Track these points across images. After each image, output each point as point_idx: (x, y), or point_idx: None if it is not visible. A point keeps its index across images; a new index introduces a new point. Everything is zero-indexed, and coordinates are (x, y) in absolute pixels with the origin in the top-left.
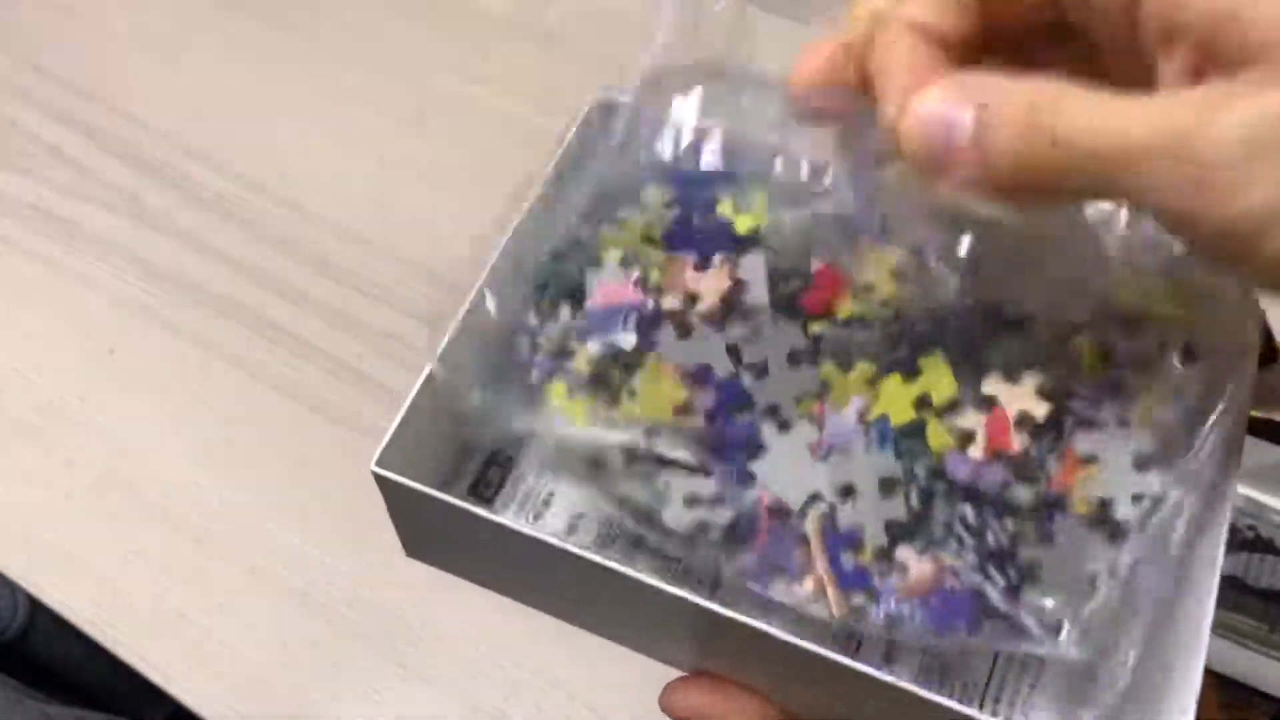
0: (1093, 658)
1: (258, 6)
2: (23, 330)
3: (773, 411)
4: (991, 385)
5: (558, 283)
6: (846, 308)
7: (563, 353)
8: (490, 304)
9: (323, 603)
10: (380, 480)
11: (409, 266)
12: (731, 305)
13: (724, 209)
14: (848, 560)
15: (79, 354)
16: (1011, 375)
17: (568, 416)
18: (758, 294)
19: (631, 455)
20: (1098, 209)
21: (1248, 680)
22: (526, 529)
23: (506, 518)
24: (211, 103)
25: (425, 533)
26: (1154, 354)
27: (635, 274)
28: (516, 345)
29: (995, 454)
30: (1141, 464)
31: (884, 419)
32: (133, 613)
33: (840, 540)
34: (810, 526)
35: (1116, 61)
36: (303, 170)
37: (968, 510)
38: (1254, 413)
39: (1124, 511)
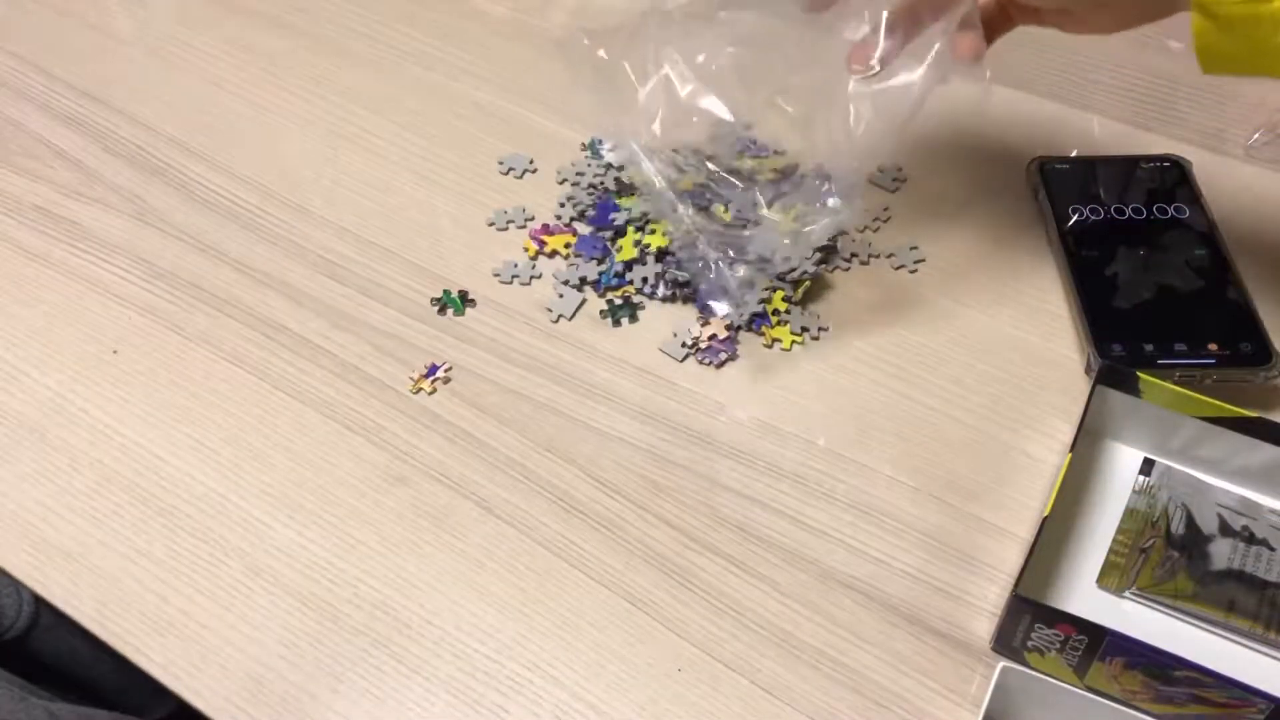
0: None
1: (260, 9)
2: (26, 330)
3: None
4: None
5: None
6: None
7: None
8: None
9: (324, 601)
10: None
11: (410, 266)
12: None
13: None
14: None
15: (82, 354)
16: None
17: None
18: None
19: None
20: None
21: (1244, 678)
22: None
23: None
24: (215, 104)
25: None
26: None
27: None
28: None
29: None
30: None
31: None
32: (136, 610)
33: None
34: None
35: None
36: (305, 171)
37: None
38: (1254, 414)
39: None
